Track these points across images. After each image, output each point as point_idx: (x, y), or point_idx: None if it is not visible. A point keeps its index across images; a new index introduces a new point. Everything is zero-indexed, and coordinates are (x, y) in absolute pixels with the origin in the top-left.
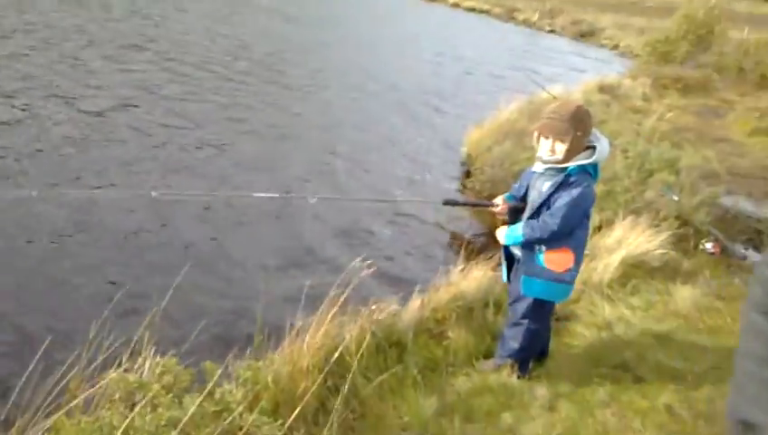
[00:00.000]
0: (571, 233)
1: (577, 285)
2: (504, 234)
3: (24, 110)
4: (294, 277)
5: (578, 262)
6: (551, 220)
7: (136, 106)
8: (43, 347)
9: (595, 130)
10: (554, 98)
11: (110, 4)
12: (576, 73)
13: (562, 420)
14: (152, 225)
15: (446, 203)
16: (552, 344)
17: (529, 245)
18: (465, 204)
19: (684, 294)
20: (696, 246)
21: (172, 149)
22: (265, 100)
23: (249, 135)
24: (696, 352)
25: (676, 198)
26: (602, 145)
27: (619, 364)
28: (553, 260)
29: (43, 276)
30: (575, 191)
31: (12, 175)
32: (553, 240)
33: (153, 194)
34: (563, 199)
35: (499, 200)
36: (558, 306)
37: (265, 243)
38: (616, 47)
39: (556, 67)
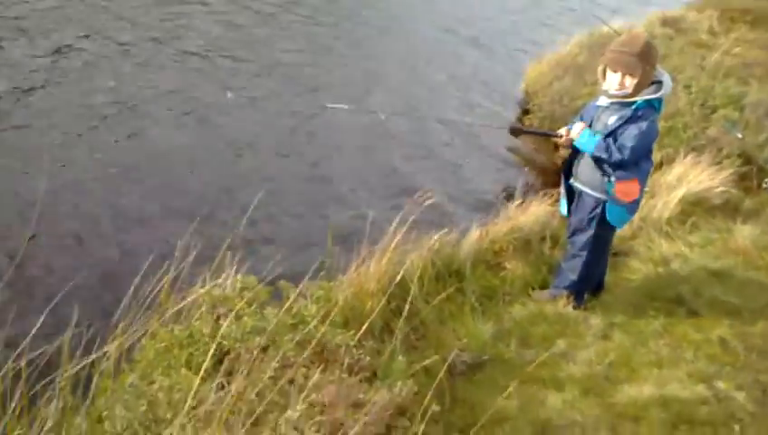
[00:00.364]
0: (637, 164)
1: (636, 221)
2: (579, 133)
3: None
4: (360, 202)
5: (641, 192)
6: (620, 151)
7: None
8: (145, 265)
9: (658, 65)
10: (615, 32)
11: None
12: (638, 6)
13: (615, 349)
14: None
15: (512, 130)
16: (609, 278)
17: (600, 177)
18: (529, 132)
19: (744, 233)
20: (759, 185)
21: None
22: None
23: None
24: (754, 289)
25: (740, 135)
26: (666, 80)
27: (674, 298)
28: (623, 190)
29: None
30: (643, 124)
31: None
32: (620, 169)
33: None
34: (632, 132)
35: (563, 131)
36: (616, 242)
37: (334, 164)
38: None
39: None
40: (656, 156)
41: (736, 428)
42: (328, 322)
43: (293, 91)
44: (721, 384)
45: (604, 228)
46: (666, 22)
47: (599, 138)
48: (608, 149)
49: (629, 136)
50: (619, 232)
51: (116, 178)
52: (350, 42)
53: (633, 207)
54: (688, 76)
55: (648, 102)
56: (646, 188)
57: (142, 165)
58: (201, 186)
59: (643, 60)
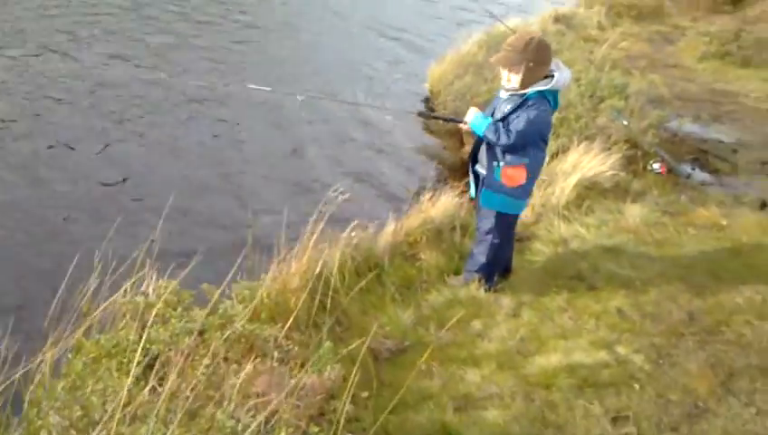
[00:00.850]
0: (525, 151)
1: (536, 207)
2: (473, 117)
3: None
4: (275, 200)
5: (531, 179)
6: (507, 135)
7: None
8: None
9: (558, 61)
10: (512, 30)
11: None
12: (539, 2)
13: (525, 325)
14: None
15: (420, 114)
16: (515, 262)
17: (490, 162)
18: (437, 117)
19: (633, 212)
20: (645, 168)
21: None
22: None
23: None
24: (645, 262)
25: (625, 123)
26: (562, 75)
27: (574, 275)
28: (509, 175)
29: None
30: (532, 113)
31: None
32: (508, 153)
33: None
34: (520, 119)
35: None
36: (519, 227)
37: (249, 152)
38: None
39: None
40: (552, 146)
41: (636, 386)
42: (257, 320)
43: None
44: (620, 349)
45: (503, 213)
46: (558, 19)
47: (489, 120)
48: (496, 131)
49: (517, 122)
50: (521, 219)
51: (34, 189)
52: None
53: (518, 192)
54: (578, 70)
55: (540, 93)
56: (543, 177)
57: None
58: (114, 192)
59: (525, 56)
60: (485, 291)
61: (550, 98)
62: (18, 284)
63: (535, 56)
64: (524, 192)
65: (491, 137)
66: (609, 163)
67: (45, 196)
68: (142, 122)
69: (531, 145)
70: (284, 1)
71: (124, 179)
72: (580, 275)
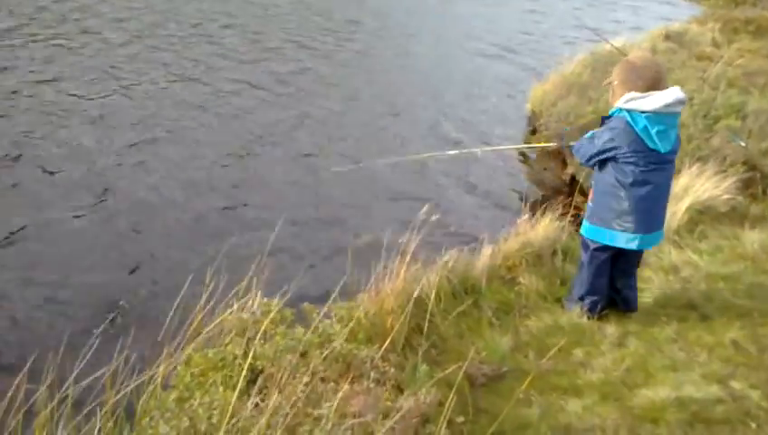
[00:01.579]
0: (596, 172)
1: None
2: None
3: None
4: (375, 229)
5: (599, 204)
6: (578, 150)
7: None
8: (180, 294)
9: (672, 87)
10: (617, 49)
11: None
12: (646, 20)
13: (631, 355)
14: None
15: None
16: None
17: None
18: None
19: (751, 238)
20: (765, 191)
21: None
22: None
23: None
24: (763, 292)
25: (743, 144)
26: (650, 97)
27: (685, 304)
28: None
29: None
30: (599, 131)
31: None
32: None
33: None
34: (592, 137)
35: None
36: None
37: (340, 198)
38: None
39: (622, 17)
40: None
41: (752, 425)
42: (354, 340)
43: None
44: (735, 384)
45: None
46: (669, 36)
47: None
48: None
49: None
50: None
51: (145, 213)
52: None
53: (593, 217)
54: (691, 89)
55: (619, 111)
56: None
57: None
58: (223, 220)
59: (615, 75)
60: (588, 318)
61: (629, 118)
62: (140, 299)
63: (619, 75)
64: (599, 218)
65: (574, 147)
66: (724, 186)
67: (170, 213)
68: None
69: (598, 166)
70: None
71: (236, 205)
72: (692, 305)
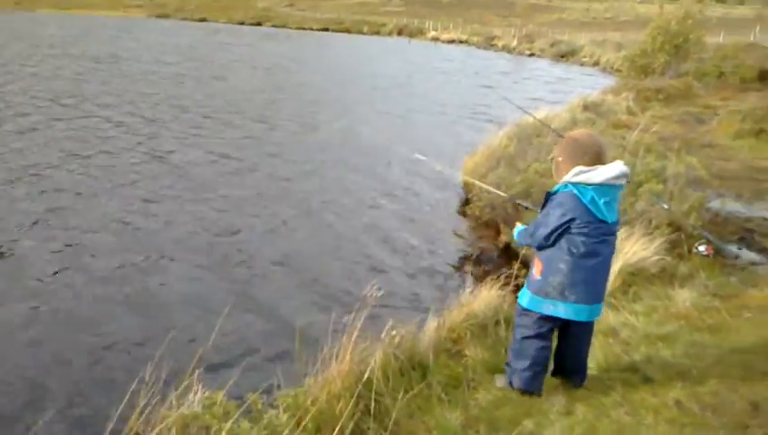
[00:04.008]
0: (540, 247)
1: None
2: (516, 230)
3: None
4: (316, 307)
5: (546, 276)
6: (531, 233)
7: None
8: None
9: (614, 162)
10: (540, 121)
11: None
12: (561, 93)
13: (580, 423)
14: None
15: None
16: None
17: None
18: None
19: (683, 297)
20: (690, 250)
21: None
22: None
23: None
24: (699, 350)
25: (666, 206)
26: (597, 171)
27: (627, 367)
28: (532, 268)
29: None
30: (548, 206)
31: None
32: (532, 246)
33: None
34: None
35: None
36: None
37: (281, 274)
38: (596, 63)
39: (539, 89)
40: None
41: None
42: (300, 430)
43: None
44: None
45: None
46: (587, 107)
47: (520, 228)
48: (520, 232)
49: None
50: None
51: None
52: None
53: (538, 287)
54: (612, 156)
55: (565, 187)
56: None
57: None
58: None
59: (557, 152)
60: (522, 394)
61: (576, 191)
62: (74, 399)
63: (564, 151)
64: (546, 291)
65: (518, 237)
66: (652, 248)
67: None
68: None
69: (544, 240)
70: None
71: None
72: (634, 367)
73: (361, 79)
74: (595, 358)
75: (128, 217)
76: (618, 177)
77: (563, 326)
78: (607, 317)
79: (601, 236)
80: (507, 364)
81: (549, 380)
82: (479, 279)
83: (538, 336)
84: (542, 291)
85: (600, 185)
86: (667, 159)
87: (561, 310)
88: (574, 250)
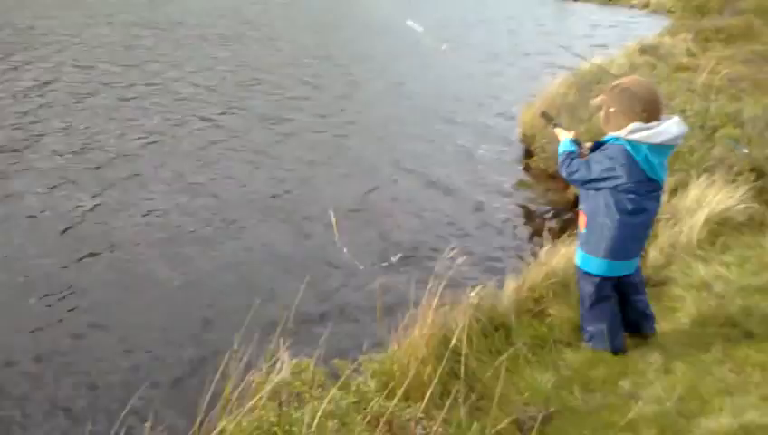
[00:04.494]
0: (587, 196)
1: (665, 248)
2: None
3: None
4: (394, 273)
5: (591, 230)
6: (568, 166)
7: None
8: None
9: (672, 117)
10: (598, 66)
11: None
12: (614, 37)
13: (681, 381)
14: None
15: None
16: (654, 310)
17: None
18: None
19: None
20: None
21: None
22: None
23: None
24: None
25: (746, 151)
26: (656, 130)
27: (726, 321)
28: (579, 221)
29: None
30: (598, 156)
31: None
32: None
33: None
34: (588, 159)
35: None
36: (650, 272)
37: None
38: (646, 5)
39: (592, 34)
40: (669, 181)
41: None
42: (395, 398)
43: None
44: None
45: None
46: (644, 50)
47: (567, 144)
48: (565, 160)
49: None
50: (653, 261)
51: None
52: None
53: (585, 244)
54: (682, 101)
55: (616, 140)
56: (665, 215)
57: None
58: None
59: (608, 101)
60: (614, 354)
61: (628, 147)
62: (167, 375)
63: (618, 102)
64: (592, 246)
65: (560, 158)
66: (737, 195)
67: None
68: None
69: (592, 190)
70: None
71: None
72: (733, 321)
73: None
74: (689, 313)
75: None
76: (677, 136)
77: (619, 283)
78: (697, 270)
79: (649, 193)
80: (582, 329)
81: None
82: (554, 235)
83: (600, 296)
84: (589, 247)
85: (657, 144)
86: (741, 102)
87: (604, 268)
88: (621, 208)
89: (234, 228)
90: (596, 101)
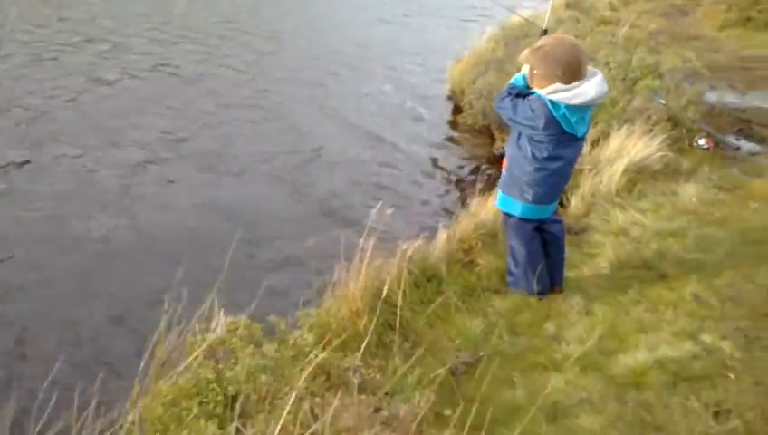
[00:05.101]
0: (510, 141)
1: (586, 197)
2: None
3: None
4: (325, 228)
5: (510, 173)
6: (501, 100)
7: None
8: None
9: (591, 79)
10: (526, 20)
11: None
12: None
13: (600, 322)
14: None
15: None
16: (576, 256)
17: None
18: None
19: (689, 192)
20: (691, 145)
21: None
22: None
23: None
24: (711, 243)
25: (663, 102)
26: (574, 92)
27: (641, 264)
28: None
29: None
30: (523, 101)
31: None
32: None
33: None
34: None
35: None
36: (571, 221)
37: (286, 210)
38: None
39: None
40: (591, 132)
41: (731, 376)
42: (328, 348)
43: None
44: (706, 338)
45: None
46: (569, 5)
47: (517, 81)
48: (506, 94)
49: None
50: (574, 210)
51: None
52: None
53: (505, 185)
54: (605, 54)
55: (539, 96)
56: (586, 166)
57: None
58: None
59: (531, 61)
60: (539, 298)
61: (554, 109)
62: (97, 334)
63: (540, 65)
64: (510, 188)
65: (500, 91)
66: (655, 145)
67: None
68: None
69: (514, 132)
70: None
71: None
72: (648, 264)
73: None
74: (608, 258)
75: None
76: (595, 99)
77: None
78: (615, 217)
79: (566, 143)
80: (509, 272)
81: None
82: (483, 187)
83: (523, 238)
84: (507, 189)
85: (576, 105)
86: (660, 54)
87: (521, 210)
88: (537, 154)
89: (163, 183)
90: (522, 57)
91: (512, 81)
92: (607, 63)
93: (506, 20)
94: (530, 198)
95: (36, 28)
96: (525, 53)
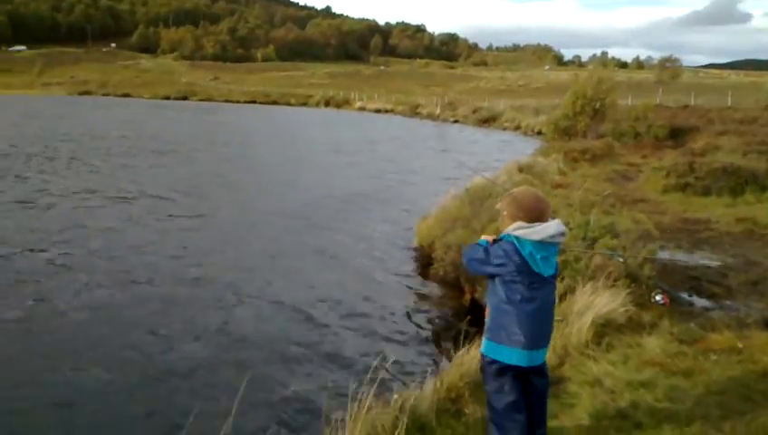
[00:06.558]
0: (489, 290)
1: (557, 349)
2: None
3: None
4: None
5: (492, 319)
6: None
7: None
8: None
9: (553, 220)
10: (489, 181)
11: None
12: (497, 155)
13: None
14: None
15: None
16: (555, 406)
17: None
18: None
19: (652, 344)
20: (649, 300)
21: None
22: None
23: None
24: (679, 393)
25: (621, 260)
26: (535, 228)
27: (616, 414)
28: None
29: None
30: (495, 246)
31: None
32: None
33: None
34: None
35: None
36: (550, 371)
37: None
38: (518, 127)
39: (471, 153)
40: (559, 288)
41: None
42: None
43: None
44: None
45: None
46: (521, 169)
47: (482, 242)
48: (471, 246)
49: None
50: (548, 361)
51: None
52: None
53: (487, 330)
54: (564, 215)
55: (507, 236)
56: (558, 318)
57: None
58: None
59: (502, 207)
60: None
61: (521, 247)
62: None
63: (507, 208)
64: (493, 333)
65: (466, 250)
66: (619, 299)
67: None
68: None
69: (490, 280)
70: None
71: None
72: (623, 414)
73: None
74: (585, 408)
75: None
76: (554, 235)
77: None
78: (590, 368)
79: (534, 284)
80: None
81: None
82: (471, 337)
83: (502, 390)
84: (490, 334)
85: (538, 241)
86: (613, 215)
87: (508, 355)
88: (512, 297)
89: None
90: (497, 206)
91: (478, 241)
92: (567, 224)
93: (470, 182)
94: (515, 342)
95: None
96: (499, 200)
